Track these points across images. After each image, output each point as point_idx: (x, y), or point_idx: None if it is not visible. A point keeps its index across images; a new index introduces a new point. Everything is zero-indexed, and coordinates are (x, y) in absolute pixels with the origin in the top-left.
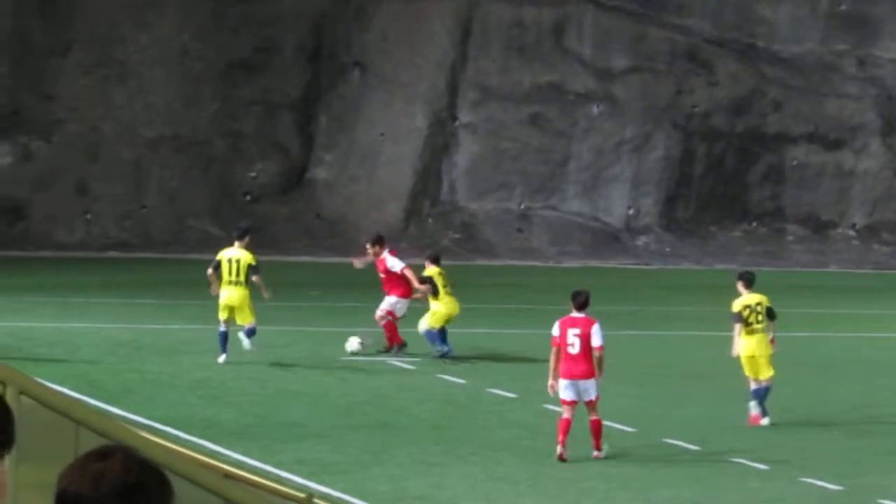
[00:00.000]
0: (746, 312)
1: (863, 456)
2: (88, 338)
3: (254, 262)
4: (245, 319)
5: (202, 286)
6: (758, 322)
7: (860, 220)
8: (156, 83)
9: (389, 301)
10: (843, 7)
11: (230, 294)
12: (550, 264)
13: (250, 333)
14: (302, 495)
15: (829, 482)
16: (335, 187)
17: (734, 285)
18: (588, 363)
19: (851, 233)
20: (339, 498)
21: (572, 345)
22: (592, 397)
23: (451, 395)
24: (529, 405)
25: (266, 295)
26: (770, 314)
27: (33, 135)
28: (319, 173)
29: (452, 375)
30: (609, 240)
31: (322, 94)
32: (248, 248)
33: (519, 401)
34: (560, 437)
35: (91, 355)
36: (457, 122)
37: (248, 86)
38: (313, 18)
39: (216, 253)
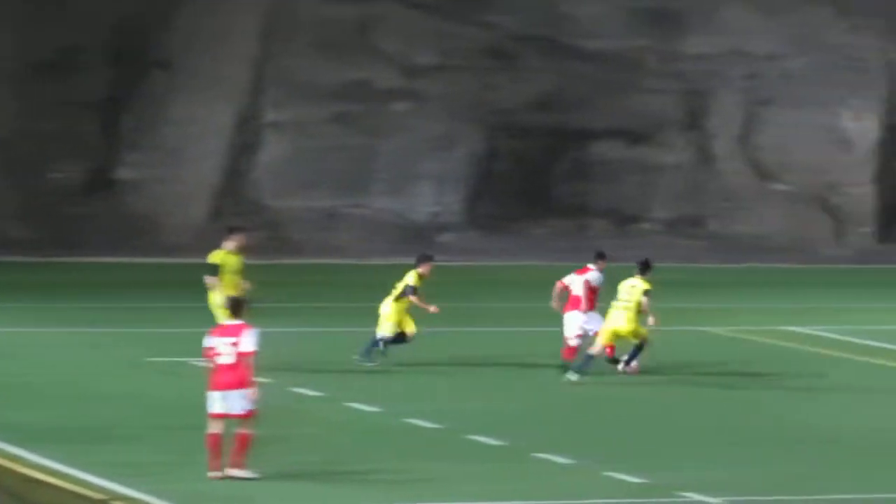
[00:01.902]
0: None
1: (664, 449)
2: None
3: (411, 283)
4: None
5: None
6: (625, 300)
7: (663, 214)
8: None
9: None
10: (645, 2)
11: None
12: (357, 262)
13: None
14: (102, 497)
15: (632, 475)
16: (141, 187)
17: (540, 280)
18: (240, 372)
19: (655, 227)
20: (142, 499)
21: (224, 354)
22: (240, 411)
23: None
24: (334, 403)
25: (431, 309)
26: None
27: None
28: (125, 173)
29: (259, 375)
30: (415, 237)
31: (127, 94)
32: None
33: (324, 399)
34: (211, 459)
35: None
36: (262, 121)
37: (52, 86)
38: (117, 17)
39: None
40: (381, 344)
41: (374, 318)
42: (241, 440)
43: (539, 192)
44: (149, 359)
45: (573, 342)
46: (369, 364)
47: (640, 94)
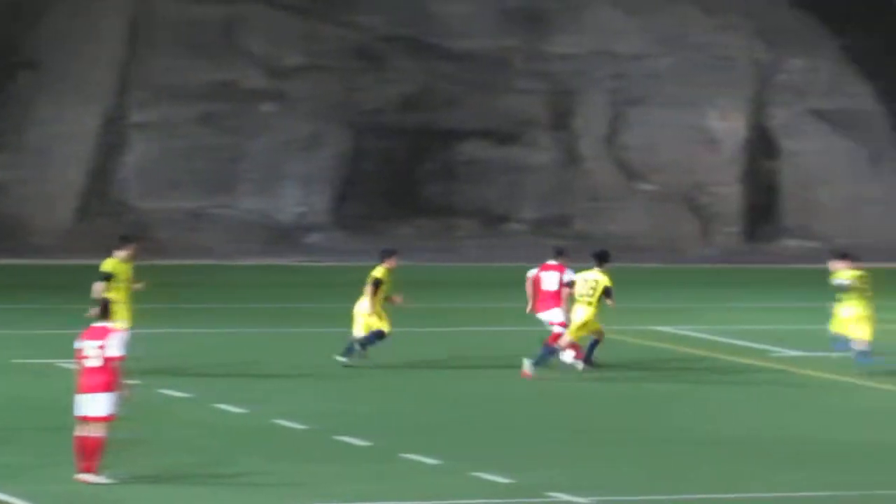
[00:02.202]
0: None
1: (534, 449)
2: None
3: (378, 276)
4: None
5: None
6: (587, 294)
7: (531, 214)
8: None
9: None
10: (512, 2)
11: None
12: (224, 263)
13: (364, 341)
14: None
15: (500, 476)
16: (6, 188)
17: (406, 281)
18: (106, 376)
19: (522, 227)
20: (10, 501)
21: (91, 357)
22: (101, 414)
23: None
24: (202, 404)
25: (397, 300)
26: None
27: None
28: None
29: (127, 377)
30: (281, 237)
31: None
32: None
33: (191, 400)
34: (79, 461)
35: None
36: (128, 121)
37: None
38: None
39: None
40: (356, 346)
41: (241, 318)
42: (92, 444)
43: (406, 192)
44: (16, 360)
45: (558, 328)
46: (346, 361)
47: (507, 94)
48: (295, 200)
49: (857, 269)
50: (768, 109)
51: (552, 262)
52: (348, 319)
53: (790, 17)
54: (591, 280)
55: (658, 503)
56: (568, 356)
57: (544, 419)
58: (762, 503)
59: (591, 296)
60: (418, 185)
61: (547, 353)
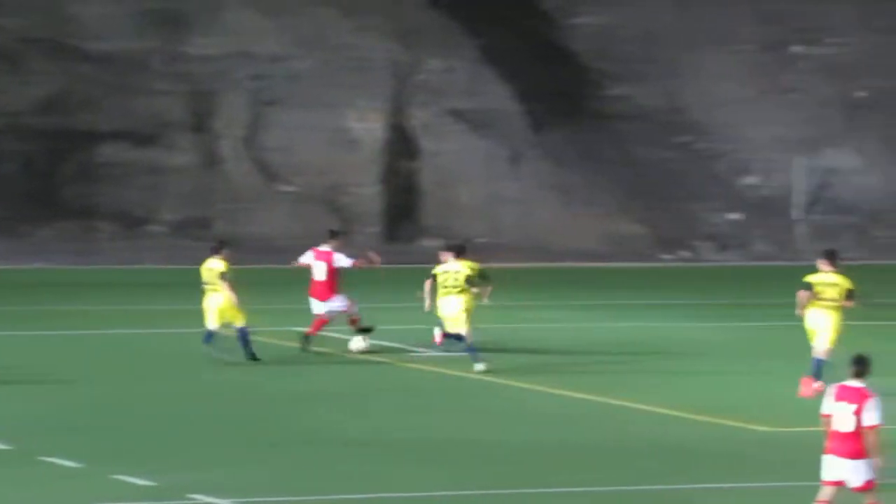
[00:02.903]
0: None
1: (177, 451)
2: None
3: (224, 270)
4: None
5: None
6: (454, 286)
7: (171, 216)
8: None
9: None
10: (150, 3)
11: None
12: None
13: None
14: None
15: (141, 478)
16: None
17: (44, 282)
18: None
19: (162, 229)
20: None
21: None
22: None
23: None
24: None
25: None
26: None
27: None
28: None
29: None
30: None
31: None
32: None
33: None
34: None
35: None
36: None
37: None
38: None
39: None
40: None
41: None
42: None
43: (46, 194)
44: None
45: (327, 316)
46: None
47: (146, 95)
48: None
49: (470, 262)
50: (407, 110)
51: (323, 249)
52: None
53: (428, 18)
54: (453, 272)
55: None
56: (357, 344)
57: (189, 420)
58: (398, 503)
59: (458, 287)
60: (58, 187)
61: (469, 349)
